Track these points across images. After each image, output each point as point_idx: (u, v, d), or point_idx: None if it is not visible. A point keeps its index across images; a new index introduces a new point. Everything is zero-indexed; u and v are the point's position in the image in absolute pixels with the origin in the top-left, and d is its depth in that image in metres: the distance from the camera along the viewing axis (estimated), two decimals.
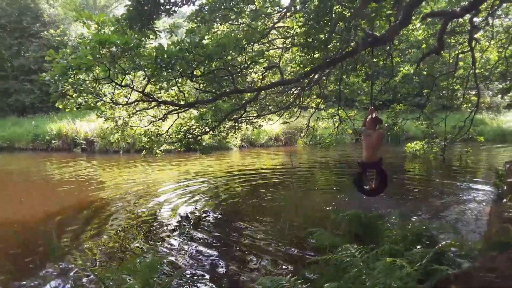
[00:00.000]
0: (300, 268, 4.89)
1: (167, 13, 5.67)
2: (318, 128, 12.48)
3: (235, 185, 11.06)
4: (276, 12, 8.46)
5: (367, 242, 4.11)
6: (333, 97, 11.55)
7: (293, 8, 7.84)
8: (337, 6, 6.54)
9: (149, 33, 5.78)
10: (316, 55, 7.93)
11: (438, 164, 12.82)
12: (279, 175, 12.54)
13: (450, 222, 6.94)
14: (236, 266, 5.37)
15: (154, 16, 5.56)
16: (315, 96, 11.51)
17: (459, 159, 14.68)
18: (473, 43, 9.21)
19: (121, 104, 7.63)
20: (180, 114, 8.68)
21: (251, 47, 8.52)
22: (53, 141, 20.49)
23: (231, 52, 6.58)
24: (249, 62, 7.26)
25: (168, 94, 8.00)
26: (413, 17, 9.08)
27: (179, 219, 7.64)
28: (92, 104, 7.04)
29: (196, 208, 8.50)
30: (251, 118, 10.38)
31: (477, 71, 10.02)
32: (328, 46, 7.44)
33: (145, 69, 6.10)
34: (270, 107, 10.77)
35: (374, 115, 6.93)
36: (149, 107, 8.05)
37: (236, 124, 10.03)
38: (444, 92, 12.71)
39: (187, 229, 6.98)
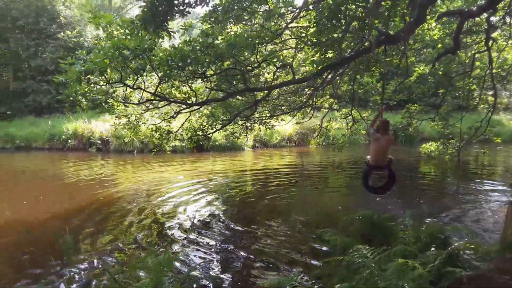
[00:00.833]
0: (311, 268, 4.87)
1: (181, 14, 5.70)
2: (331, 128, 12.41)
3: (247, 185, 11.07)
4: (289, 12, 8.45)
5: (379, 243, 4.08)
6: (346, 97, 11.48)
7: (306, 7, 7.82)
8: (351, 5, 6.50)
9: (163, 34, 5.82)
10: (330, 55, 7.90)
11: (454, 165, 12.64)
12: (291, 175, 12.51)
13: (466, 223, 6.84)
14: (247, 265, 5.38)
15: (168, 17, 5.60)
16: (328, 97, 11.45)
17: (475, 160, 14.44)
18: (490, 42, 9.05)
19: (133, 103, 7.71)
20: (191, 112, 8.74)
21: (264, 47, 8.53)
22: (69, 141, 20.78)
23: (243, 51, 6.60)
24: (261, 61, 7.27)
25: (179, 91, 8.05)
26: (429, 17, 8.97)
27: (191, 218, 7.68)
28: (103, 104, 7.13)
29: (208, 207, 8.53)
30: (263, 118, 10.39)
31: (494, 71, 9.84)
32: (341, 45, 7.41)
33: (157, 70, 6.16)
34: (283, 108, 10.75)
35: (382, 118, 6.90)
36: (160, 106, 8.12)
37: (248, 123, 10.03)
38: (460, 92, 12.52)
39: (199, 228, 7.02)
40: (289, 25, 8.91)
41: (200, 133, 9.10)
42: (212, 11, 7.11)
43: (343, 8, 6.27)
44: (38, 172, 14.12)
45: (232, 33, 7.93)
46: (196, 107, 8.27)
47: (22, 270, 5.38)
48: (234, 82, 8.04)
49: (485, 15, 8.50)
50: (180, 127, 9.14)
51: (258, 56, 7.62)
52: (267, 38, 7.49)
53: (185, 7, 5.63)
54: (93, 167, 15.17)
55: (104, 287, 4.51)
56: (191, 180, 11.87)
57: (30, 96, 26.70)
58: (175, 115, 8.39)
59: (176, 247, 6.09)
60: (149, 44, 5.63)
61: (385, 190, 7.21)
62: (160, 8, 5.40)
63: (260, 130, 12.61)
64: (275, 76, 9.48)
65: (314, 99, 10.56)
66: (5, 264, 5.69)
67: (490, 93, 12.84)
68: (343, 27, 6.75)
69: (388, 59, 9.04)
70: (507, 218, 6.41)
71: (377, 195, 7.70)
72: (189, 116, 9.12)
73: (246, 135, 11.85)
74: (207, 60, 6.12)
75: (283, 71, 10.22)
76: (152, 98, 7.29)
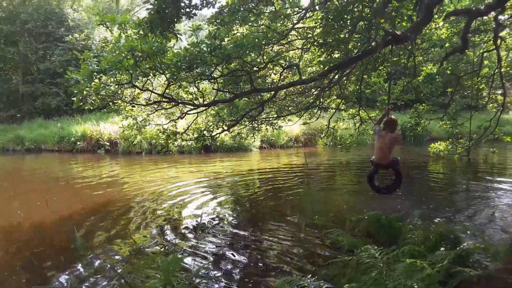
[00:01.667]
0: (319, 269, 4.87)
1: (187, 16, 5.74)
2: (339, 129, 12.39)
3: (254, 185, 11.09)
4: (295, 13, 8.46)
5: (387, 244, 4.07)
6: (353, 97, 11.46)
7: (312, 8, 7.82)
8: (358, 5, 6.49)
9: (170, 36, 5.87)
10: (336, 55, 7.90)
11: (463, 165, 12.55)
12: (298, 175, 12.49)
13: (476, 223, 6.78)
14: (254, 266, 5.38)
15: (175, 20, 5.64)
16: (335, 97, 11.43)
17: (485, 160, 14.32)
18: (499, 41, 8.98)
19: (141, 104, 7.78)
20: (198, 113, 8.80)
21: (271, 48, 8.55)
22: (78, 143, 20.98)
23: (249, 52, 6.64)
24: (267, 62, 7.29)
25: (186, 91, 8.10)
26: (436, 16, 8.93)
27: (199, 218, 7.71)
28: (111, 104, 7.20)
29: (215, 207, 8.56)
30: (270, 119, 10.40)
31: (502, 70, 9.76)
32: (348, 46, 7.41)
33: (166, 72, 6.22)
34: (289, 108, 10.76)
35: (391, 116, 6.88)
36: (168, 107, 8.18)
37: (255, 123, 10.06)
38: (468, 91, 12.44)
39: (206, 228, 7.04)
40: (296, 26, 8.92)
41: (206, 133, 9.15)
42: (218, 12, 7.15)
43: (349, 8, 6.27)
44: (48, 174, 14.25)
45: (239, 34, 7.97)
46: (203, 108, 8.31)
47: (32, 269, 5.43)
48: (241, 83, 8.08)
49: (493, 13, 8.44)
50: (187, 128, 9.19)
51: (264, 57, 7.65)
52: (273, 39, 7.51)
53: (191, 9, 5.66)
54: (102, 168, 15.28)
55: (114, 287, 4.55)
56: (198, 181, 11.91)
57: (39, 99, 26.98)
58: (182, 116, 8.44)
59: (184, 247, 6.12)
60: (161, 46, 5.69)
61: (391, 191, 7.18)
62: (167, 11, 5.44)
63: (267, 131, 12.63)
64: (282, 76, 9.49)
65: (321, 99, 10.55)
66: (15, 263, 5.76)
67: (499, 92, 12.73)
68: (350, 28, 6.75)
69: (395, 58, 9.02)
70: None
71: (384, 195, 7.68)
72: (196, 117, 9.17)
73: (253, 136, 11.87)
74: (214, 61, 6.16)
75: (290, 72, 10.23)
76: (160, 99, 7.35)
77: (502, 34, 9.98)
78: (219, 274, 5.12)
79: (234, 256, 5.79)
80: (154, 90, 7.08)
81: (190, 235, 6.72)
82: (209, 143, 9.83)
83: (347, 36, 7.32)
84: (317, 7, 7.56)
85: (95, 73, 5.54)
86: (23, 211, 8.59)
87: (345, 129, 14.10)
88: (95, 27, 27.61)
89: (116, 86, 6.59)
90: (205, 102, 7.97)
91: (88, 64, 5.59)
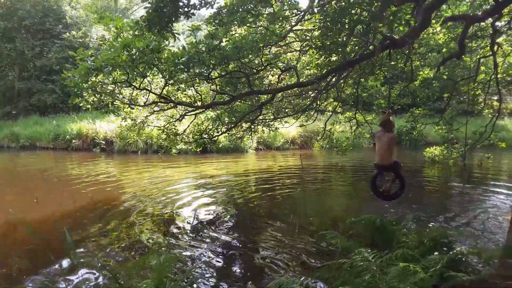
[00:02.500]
0: (313, 271, 4.87)
1: (185, 16, 5.72)
2: (335, 131, 12.40)
3: (250, 187, 11.08)
4: (294, 15, 8.46)
5: (381, 247, 4.07)
6: (350, 100, 11.47)
7: (310, 10, 7.83)
8: (356, 9, 6.50)
9: (168, 35, 5.84)
10: (334, 58, 7.90)
11: (458, 170, 12.59)
12: (293, 177, 12.51)
13: (470, 228, 6.81)
14: (247, 267, 5.38)
15: (173, 19, 5.62)
16: (332, 100, 11.44)
17: (480, 165, 14.38)
18: (495, 47, 9.01)
19: (138, 105, 7.75)
20: (196, 115, 8.78)
21: (269, 49, 8.54)
22: (73, 141, 20.87)
23: (248, 54, 6.62)
24: (265, 64, 7.28)
25: (185, 94, 8.09)
26: (434, 21, 8.96)
27: (193, 219, 7.69)
28: (109, 105, 7.16)
29: (210, 208, 8.54)
30: (267, 120, 10.39)
31: (499, 76, 9.79)
32: (346, 49, 7.41)
33: (164, 72, 6.19)
34: (286, 110, 10.76)
35: (388, 118, 6.89)
36: (166, 108, 8.15)
37: (252, 125, 10.05)
38: (465, 97, 12.48)
39: (200, 229, 7.02)
40: (294, 28, 8.92)
41: (205, 136, 9.13)
42: (217, 13, 7.14)
43: (347, 12, 6.27)
44: (42, 171, 14.18)
45: (237, 35, 7.96)
46: (201, 110, 8.29)
47: (23, 269, 5.39)
48: (239, 85, 8.06)
49: (490, 20, 8.47)
50: (185, 130, 9.17)
51: (262, 59, 7.64)
52: (271, 41, 7.50)
53: (189, 9, 5.65)
54: (96, 167, 15.22)
55: (105, 287, 4.52)
56: (194, 181, 11.89)
57: (35, 95, 26.83)
58: (181, 118, 8.42)
59: (177, 247, 6.10)
60: (156, 45, 5.67)
61: (393, 197, 7.12)
62: (165, 10, 5.42)
63: (264, 132, 12.62)
64: (280, 78, 9.49)
65: (318, 102, 10.56)
66: (6, 263, 5.71)
67: (495, 98, 12.78)
68: (348, 31, 6.76)
69: (392, 63, 9.04)
70: (511, 223, 6.40)
71: (386, 200, 7.65)
72: (194, 119, 9.15)
73: (250, 137, 11.86)
74: (212, 62, 6.14)
75: (287, 74, 10.23)
76: (158, 100, 7.32)
77: (499, 40, 10.03)
78: (212, 274, 5.11)
79: (228, 257, 5.78)
80: (152, 91, 7.05)
81: (183, 236, 6.70)
82: (209, 146, 9.82)
83: (345, 40, 7.32)
84: (315, 10, 7.56)
85: (91, 70, 5.50)
86: (15, 208, 8.54)
87: (342, 132, 14.12)
88: (93, 25, 27.52)
89: (113, 85, 6.55)
90: (203, 104, 7.95)
91: (85, 61, 5.56)
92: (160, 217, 7.86)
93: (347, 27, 6.51)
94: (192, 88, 7.53)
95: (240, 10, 7.19)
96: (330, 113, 11.75)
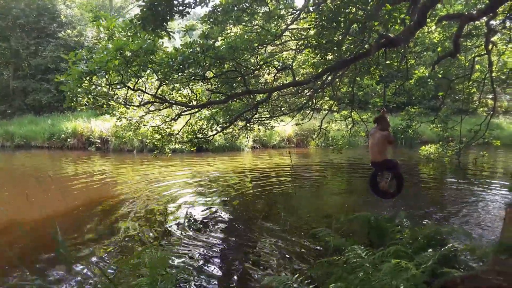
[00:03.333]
0: (306, 268, 4.88)
1: (180, 14, 5.70)
2: (331, 130, 12.42)
3: (245, 185, 11.08)
4: (289, 14, 8.45)
5: (376, 244, 4.08)
6: (346, 99, 11.49)
7: (306, 9, 7.83)
8: (351, 8, 6.50)
9: (162, 34, 5.82)
10: (329, 57, 7.90)
11: (453, 168, 12.64)
12: (289, 175, 12.50)
13: (464, 225, 6.85)
14: (241, 265, 5.39)
15: (168, 17, 5.59)
16: (328, 98, 11.46)
17: (474, 163, 14.45)
18: (490, 46, 9.05)
19: (133, 105, 7.73)
20: (192, 114, 8.75)
21: (264, 48, 8.53)
22: (68, 140, 20.80)
23: (243, 53, 6.61)
24: (261, 63, 7.27)
25: (180, 93, 8.07)
26: (429, 20, 8.98)
27: (187, 217, 7.69)
28: (104, 106, 7.12)
29: (204, 207, 8.55)
30: (263, 119, 10.39)
31: (493, 74, 9.84)
32: (341, 48, 7.42)
33: (158, 73, 6.17)
34: (282, 109, 10.76)
35: (383, 115, 6.90)
36: (161, 108, 8.13)
37: (248, 124, 10.04)
38: (460, 95, 12.53)
39: (194, 227, 7.03)
40: (289, 27, 8.92)
41: (200, 135, 9.12)
42: (212, 11, 7.12)
43: (343, 11, 6.27)
44: (36, 170, 14.12)
45: (232, 34, 7.95)
46: (196, 110, 8.27)
47: (14, 269, 5.35)
48: (234, 85, 8.05)
49: (485, 18, 8.51)
50: (180, 129, 9.15)
51: (258, 58, 7.63)
52: (267, 40, 7.49)
53: (184, 7, 5.62)
54: (91, 166, 15.17)
55: (97, 286, 4.51)
56: (188, 180, 11.88)
57: (30, 94, 26.68)
58: (176, 118, 8.40)
59: (171, 246, 6.10)
60: (150, 45, 5.64)
61: (391, 196, 7.09)
62: (159, 8, 5.39)
63: (260, 131, 12.63)
64: (275, 77, 9.48)
65: (314, 100, 10.57)
66: None
67: (490, 96, 12.85)
68: (343, 30, 6.76)
69: (388, 61, 9.06)
70: (505, 220, 6.44)
71: (383, 199, 7.61)
72: (189, 119, 9.13)
73: (245, 136, 11.86)
74: (207, 62, 6.13)
75: (283, 73, 10.23)
76: (153, 100, 7.30)
77: (494, 39, 10.06)
78: (206, 272, 5.12)
79: (221, 254, 5.80)
80: (146, 91, 7.03)
81: (178, 234, 6.70)
82: (204, 145, 9.79)
83: (340, 38, 7.33)
84: (311, 9, 7.56)
85: (84, 74, 5.47)
86: (8, 208, 8.51)
87: (337, 130, 14.14)
88: (87, 24, 27.36)
89: (108, 87, 6.52)
90: (199, 104, 7.93)
91: (78, 65, 5.52)
92: (154, 216, 7.86)
93: (342, 26, 6.51)
94: (187, 87, 7.51)
95: (235, 8, 7.17)
96: (326, 112, 11.77)
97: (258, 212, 8.24)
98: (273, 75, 9.32)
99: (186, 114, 8.58)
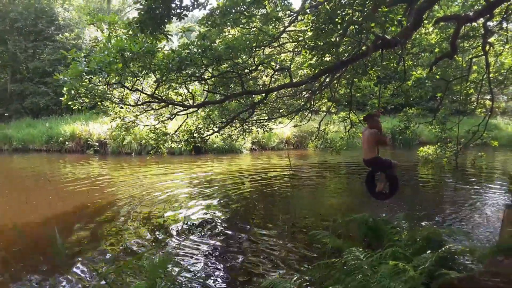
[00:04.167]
0: (304, 271, 4.87)
1: (178, 17, 5.71)
2: (329, 131, 12.43)
3: (243, 188, 11.07)
4: (287, 16, 8.47)
5: (374, 246, 4.08)
6: (344, 100, 11.52)
7: (303, 11, 7.84)
8: (348, 10, 6.52)
9: (160, 37, 5.83)
10: (327, 58, 7.91)
11: (451, 169, 12.66)
12: (286, 177, 12.51)
13: (463, 227, 6.86)
14: (239, 267, 5.38)
15: (166, 20, 5.60)
16: (326, 100, 11.47)
17: (472, 164, 14.47)
18: (487, 47, 9.07)
19: (130, 105, 7.73)
20: (188, 114, 8.77)
21: (262, 50, 8.55)
22: (67, 143, 20.76)
23: (240, 54, 6.62)
24: (258, 64, 7.28)
25: (176, 92, 8.07)
26: (426, 21, 9.01)
27: (186, 220, 7.68)
28: (99, 105, 7.13)
29: (203, 210, 8.53)
30: (261, 121, 10.40)
31: (491, 75, 9.86)
32: (339, 49, 7.43)
33: (156, 73, 6.18)
34: (281, 111, 10.77)
35: (374, 114, 6.94)
36: (158, 108, 8.14)
37: (245, 125, 10.05)
38: (457, 96, 12.54)
39: (193, 230, 7.02)
40: (287, 29, 8.93)
41: (196, 135, 9.12)
42: (210, 14, 7.13)
43: (340, 12, 6.29)
44: (34, 173, 14.08)
45: (230, 36, 7.96)
46: (193, 109, 8.27)
47: (11, 272, 5.33)
48: (232, 85, 8.06)
49: (482, 20, 8.53)
50: (177, 130, 9.16)
51: (255, 59, 7.65)
52: (264, 42, 7.51)
53: (182, 10, 5.64)
54: (89, 169, 15.15)
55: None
56: (187, 182, 11.87)
57: (28, 98, 26.65)
58: (172, 117, 8.41)
59: (169, 249, 6.08)
60: (150, 47, 5.65)
61: (386, 197, 7.07)
62: (157, 11, 5.40)
63: (258, 133, 12.64)
64: (273, 79, 9.49)
65: (312, 102, 10.57)
66: None
67: (488, 97, 12.86)
68: (340, 31, 6.78)
69: (385, 63, 9.07)
70: (503, 222, 6.44)
71: (378, 200, 7.61)
72: (186, 118, 9.14)
73: (243, 138, 11.87)
74: (204, 62, 6.14)
75: (281, 74, 10.25)
76: (150, 99, 7.30)
77: (491, 40, 10.09)
78: (204, 275, 5.11)
79: (220, 257, 5.78)
80: (143, 91, 7.03)
81: (176, 236, 6.69)
82: (200, 145, 9.79)
83: (337, 40, 7.34)
84: (308, 11, 7.58)
85: (84, 74, 5.47)
86: (4, 210, 8.49)
87: (336, 132, 14.16)
88: (85, 27, 27.39)
89: (105, 86, 6.53)
90: (195, 104, 7.94)
91: (78, 64, 5.53)
92: (152, 219, 7.84)
93: (339, 27, 6.52)
94: (184, 87, 7.53)
95: (233, 11, 7.18)
96: (324, 113, 11.78)
97: (257, 214, 8.24)
98: (270, 76, 9.33)
99: (183, 114, 8.59)
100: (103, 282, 4.13)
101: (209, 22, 7.23)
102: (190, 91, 7.68)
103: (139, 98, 7.60)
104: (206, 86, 7.76)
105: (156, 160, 16.33)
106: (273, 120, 10.49)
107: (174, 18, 5.71)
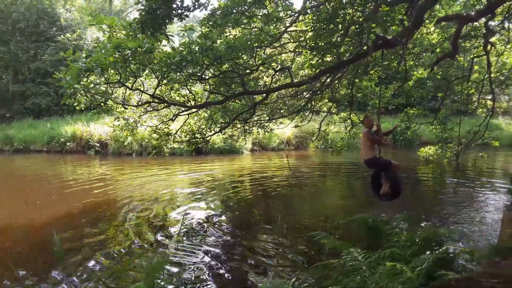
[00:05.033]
0: (303, 272, 4.86)
1: (179, 18, 5.70)
2: (330, 132, 12.42)
3: (243, 189, 11.07)
4: (288, 16, 8.47)
5: (373, 247, 4.07)
6: (345, 101, 11.51)
7: (304, 11, 7.84)
8: (349, 9, 6.52)
9: (161, 37, 5.83)
10: (328, 58, 7.91)
11: (452, 169, 12.64)
12: (288, 178, 12.50)
13: (463, 227, 6.84)
14: (238, 269, 5.37)
15: (167, 21, 5.60)
16: (327, 100, 11.46)
17: (473, 164, 14.45)
18: (489, 47, 9.06)
19: (131, 105, 7.73)
20: (190, 114, 8.77)
21: (263, 50, 8.55)
22: (68, 144, 20.78)
23: (241, 54, 6.62)
24: (259, 64, 7.28)
25: (178, 93, 8.08)
26: (427, 21, 8.99)
27: (185, 221, 7.68)
28: (102, 105, 7.13)
29: (203, 210, 8.54)
30: (262, 121, 10.40)
31: (492, 75, 9.84)
32: (340, 49, 7.43)
33: (156, 73, 6.18)
34: (281, 111, 10.77)
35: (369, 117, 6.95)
36: (160, 108, 8.14)
37: (246, 126, 10.05)
38: (458, 96, 12.54)
39: (192, 231, 7.02)
40: (288, 29, 8.92)
41: (198, 136, 9.13)
42: (211, 15, 7.12)
43: (341, 12, 6.29)
44: (35, 174, 14.10)
45: (231, 36, 7.95)
46: (194, 110, 8.28)
47: (10, 273, 5.33)
48: (233, 85, 8.06)
49: (483, 19, 8.52)
50: (178, 129, 9.16)
51: (257, 59, 7.64)
52: (266, 42, 7.50)
53: (183, 10, 5.63)
54: (90, 169, 15.16)
55: None
56: (187, 183, 11.87)
57: (29, 98, 26.69)
58: (173, 118, 8.41)
59: (168, 250, 6.09)
60: (148, 46, 5.65)
61: (389, 198, 7.00)
62: (158, 12, 5.40)
63: (259, 134, 12.64)
64: (274, 79, 9.49)
65: (313, 102, 10.57)
66: None
67: (489, 97, 12.84)
68: (341, 31, 6.77)
69: (386, 63, 9.07)
70: (503, 223, 6.42)
71: (381, 201, 7.56)
72: (187, 119, 9.14)
73: (244, 138, 11.87)
74: (205, 62, 6.14)
75: (282, 75, 10.24)
76: (151, 100, 7.31)
77: (492, 40, 10.07)
78: (202, 276, 5.10)
79: (218, 258, 5.78)
80: (145, 91, 7.04)
81: (175, 237, 6.68)
82: (201, 146, 9.81)
83: (338, 40, 7.34)
84: (308, 11, 7.57)
85: (82, 71, 5.48)
86: (4, 211, 8.50)
87: (336, 132, 14.15)
88: (87, 27, 27.42)
89: (106, 85, 6.53)
90: (197, 104, 7.94)
91: (76, 61, 5.53)
92: (151, 220, 7.84)
93: (340, 27, 6.52)
94: (186, 87, 7.53)
95: (234, 11, 7.17)
96: (325, 114, 11.78)
97: (256, 215, 8.23)
98: (271, 77, 9.33)
99: (184, 114, 8.59)
100: (102, 283, 4.13)
101: (210, 23, 7.22)
102: (192, 92, 7.69)
103: (140, 98, 7.61)
104: (208, 86, 7.76)
105: (156, 160, 16.34)
106: (273, 120, 10.48)
107: (175, 19, 5.71)
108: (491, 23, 9.34)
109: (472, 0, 9.83)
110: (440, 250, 3.55)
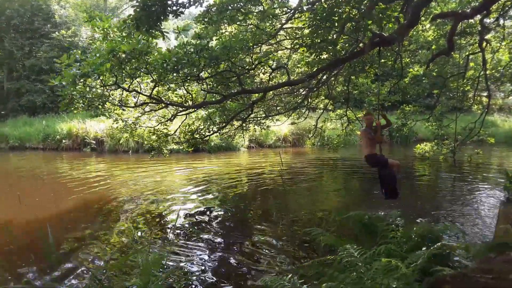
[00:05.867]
0: (299, 268, 4.88)
1: (174, 14, 5.67)
2: (326, 129, 12.44)
3: (240, 185, 11.08)
4: (284, 13, 8.45)
5: (369, 244, 4.09)
6: (341, 98, 11.53)
7: (300, 8, 7.82)
8: (345, 7, 6.51)
9: (157, 34, 5.80)
10: (324, 56, 7.91)
11: (448, 166, 12.69)
12: (283, 175, 12.51)
13: (459, 224, 6.88)
14: (234, 265, 5.39)
15: (162, 17, 5.56)
16: (323, 97, 11.48)
17: (469, 160, 14.50)
18: (484, 44, 9.09)
19: (129, 106, 7.71)
20: (188, 115, 8.74)
21: (259, 48, 8.53)
22: (63, 141, 20.66)
23: (238, 53, 6.60)
24: (256, 63, 7.26)
25: (175, 94, 8.06)
26: (423, 18, 9.00)
27: (182, 218, 7.68)
28: (100, 107, 7.10)
29: (199, 208, 8.54)
30: (259, 118, 10.39)
31: (488, 72, 9.88)
32: (336, 47, 7.42)
33: (152, 74, 6.15)
34: (278, 108, 10.77)
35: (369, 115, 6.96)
36: (157, 108, 8.12)
37: (244, 124, 10.04)
38: (454, 93, 12.57)
39: (189, 228, 7.03)
40: (284, 26, 8.91)
41: (197, 136, 9.12)
42: (206, 11, 7.09)
43: (337, 10, 6.28)
44: (30, 171, 14.02)
45: (227, 33, 7.93)
46: (192, 110, 8.26)
47: (2, 271, 5.31)
48: (230, 84, 8.05)
49: (479, 17, 8.54)
50: (176, 130, 9.15)
51: (253, 57, 7.63)
52: (262, 39, 7.49)
53: (178, 7, 5.60)
54: (86, 167, 15.10)
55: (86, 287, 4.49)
56: (184, 180, 11.86)
57: (24, 96, 26.52)
58: (172, 118, 8.39)
59: (164, 247, 6.08)
60: (144, 47, 5.62)
61: (389, 196, 6.92)
62: (153, 8, 5.37)
63: (256, 131, 12.64)
64: (270, 77, 9.48)
65: (309, 99, 10.58)
66: None
67: (484, 94, 12.90)
68: (338, 29, 6.77)
69: (382, 60, 9.07)
70: (498, 218, 6.46)
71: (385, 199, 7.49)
72: (185, 119, 9.12)
73: (241, 135, 11.86)
74: (201, 63, 6.12)
75: (279, 72, 10.23)
76: (148, 101, 7.28)
77: (488, 37, 10.10)
78: (198, 272, 5.11)
79: (214, 255, 5.80)
80: (141, 92, 7.01)
81: (171, 234, 6.69)
82: (201, 146, 9.79)
83: (335, 37, 7.34)
84: (305, 8, 7.56)
85: (77, 77, 5.45)
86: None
87: (333, 129, 14.17)
88: (82, 24, 27.23)
89: (102, 88, 6.50)
90: (194, 104, 7.92)
91: (70, 69, 5.49)
92: (147, 217, 7.84)
93: (336, 25, 6.51)
94: (183, 87, 7.51)
95: (230, 8, 7.15)
96: (322, 111, 11.78)
97: (252, 212, 8.25)
98: (268, 74, 9.32)
99: (182, 115, 8.57)
100: (97, 280, 4.12)
101: (205, 19, 7.19)
102: (189, 91, 7.67)
103: (138, 99, 7.58)
104: (205, 86, 7.74)
105: (153, 158, 16.28)
106: (270, 117, 10.48)
107: (170, 15, 5.67)
108: (486, 20, 9.38)
109: None
110: (436, 246, 3.56)
